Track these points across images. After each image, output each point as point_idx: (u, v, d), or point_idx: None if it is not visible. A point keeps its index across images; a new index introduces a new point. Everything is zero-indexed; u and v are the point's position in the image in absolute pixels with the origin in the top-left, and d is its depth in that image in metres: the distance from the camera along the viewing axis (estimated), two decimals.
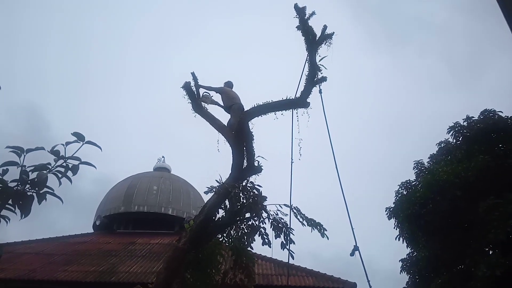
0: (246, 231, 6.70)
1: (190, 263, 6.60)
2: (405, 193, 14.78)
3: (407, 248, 15.14)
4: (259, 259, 13.61)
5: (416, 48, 61.03)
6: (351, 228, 6.12)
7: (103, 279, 13.75)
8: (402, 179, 15.41)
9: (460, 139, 14.62)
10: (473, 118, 14.39)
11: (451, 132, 14.78)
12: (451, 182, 12.58)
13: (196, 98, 8.03)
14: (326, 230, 6.29)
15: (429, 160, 15.74)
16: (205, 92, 8.29)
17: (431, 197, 12.91)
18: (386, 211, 14.98)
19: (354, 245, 5.89)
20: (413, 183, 14.94)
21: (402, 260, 15.13)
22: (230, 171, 7.11)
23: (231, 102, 8.10)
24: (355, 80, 59.09)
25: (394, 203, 14.80)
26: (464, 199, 12.40)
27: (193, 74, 8.21)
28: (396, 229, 14.77)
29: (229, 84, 8.59)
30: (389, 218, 14.84)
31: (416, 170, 15.52)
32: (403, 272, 14.92)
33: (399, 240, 14.82)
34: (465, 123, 14.55)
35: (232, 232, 6.90)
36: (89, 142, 2.57)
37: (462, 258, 12.50)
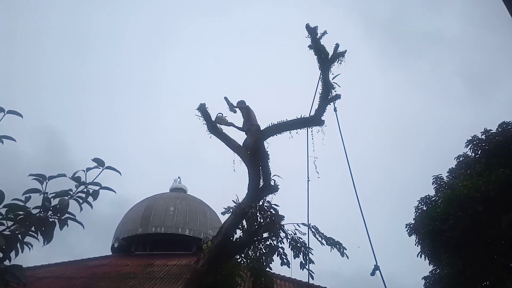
0: (264, 251, 6.67)
1: (209, 285, 6.57)
2: (425, 208, 14.53)
3: (429, 265, 14.80)
4: (278, 279, 13.43)
5: (429, 62, 60.79)
6: (371, 247, 6.04)
7: None
8: (420, 194, 15.19)
9: (479, 153, 14.39)
10: (491, 131, 14.18)
11: (469, 145, 14.57)
12: (472, 196, 12.34)
13: (211, 119, 8.10)
14: (345, 249, 6.21)
15: (448, 174, 15.50)
16: (219, 113, 8.36)
17: (452, 212, 12.66)
18: (406, 227, 14.73)
19: (374, 265, 5.80)
20: (433, 198, 14.70)
21: (425, 278, 14.76)
22: (247, 191, 7.11)
23: (250, 124, 8.15)
24: (369, 96, 59.00)
25: (414, 219, 14.55)
26: (485, 214, 12.13)
27: (226, 99, 8.40)
28: (418, 245, 14.48)
29: (242, 103, 8.65)
30: (410, 235, 14.58)
31: (435, 185, 15.27)
32: None
33: (421, 257, 14.51)
34: (483, 136, 14.34)
35: (250, 253, 6.87)
36: (109, 168, 2.61)
37: (487, 275, 12.14)
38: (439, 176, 15.51)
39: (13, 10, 53.12)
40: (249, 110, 8.41)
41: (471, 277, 12.64)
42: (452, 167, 15.58)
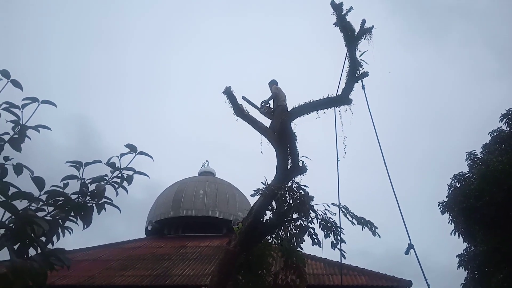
0: (294, 231, 6.69)
1: (242, 265, 6.68)
2: (458, 186, 14.22)
3: (463, 242, 14.58)
4: (309, 259, 13.51)
5: (459, 37, 58.55)
6: (404, 225, 5.96)
7: (158, 282, 14.17)
8: (453, 172, 14.85)
9: None
10: None
11: (504, 119, 14.08)
12: (507, 172, 11.99)
13: (237, 102, 8.08)
14: (377, 228, 6.16)
15: (482, 150, 15.05)
16: (262, 102, 8.23)
17: (486, 188, 12.35)
18: (439, 205, 14.49)
19: (408, 243, 5.72)
20: (467, 175, 14.35)
21: (459, 256, 14.54)
22: (275, 173, 7.11)
23: (277, 105, 8.04)
24: (398, 73, 57.45)
25: (447, 196, 14.28)
26: None
27: (245, 97, 8.26)
28: (451, 223, 14.25)
29: (274, 82, 8.49)
30: (443, 213, 14.34)
31: (469, 162, 14.88)
32: (461, 267, 14.35)
33: (454, 234, 14.30)
34: None
35: (280, 233, 6.91)
36: (141, 153, 2.66)
37: None
38: (473, 152, 15.08)
39: (58, 6, 54.26)
40: (278, 92, 8.21)
41: (507, 253, 12.37)
42: (486, 143, 15.11)
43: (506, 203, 11.97)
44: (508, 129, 14.22)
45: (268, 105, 8.16)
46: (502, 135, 14.52)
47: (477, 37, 58.20)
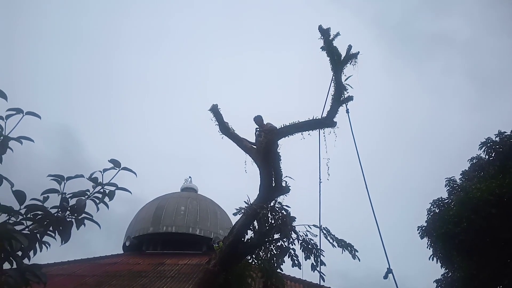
0: (275, 252, 6.67)
1: (221, 286, 6.59)
2: (437, 211, 14.39)
3: (441, 268, 14.67)
4: (288, 280, 13.41)
5: (441, 65, 60.13)
6: (383, 249, 6.00)
7: None
8: (433, 197, 15.05)
9: (492, 155, 14.22)
10: (505, 133, 14.00)
11: (483, 148, 14.40)
12: (485, 199, 12.18)
13: (223, 120, 8.11)
14: (357, 251, 6.19)
15: (461, 177, 15.34)
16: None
17: (465, 215, 12.50)
18: (418, 230, 14.60)
19: (387, 268, 5.76)
20: (446, 201, 14.55)
21: (436, 281, 14.63)
22: (258, 192, 7.11)
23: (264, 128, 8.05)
24: (380, 98, 58.54)
25: (426, 221, 14.42)
26: (499, 217, 11.96)
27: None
28: (430, 248, 14.36)
29: (260, 118, 8.57)
30: (422, 237, 14.45)
31: (448, 188, 15.12)
32: None
33: (432, 260, 14.39)
34: (497, 139, 14.17)
35: (261, 254, 6.87)
36: (124, 168, 2.64)
37: (500, 278, 11.99)
38: (452, 178, 15.36)
39: (34, 11, 53.92)
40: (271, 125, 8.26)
41: (484, 281, 12.49)
42: (465, 170, 15.42)
43: (484, 230, 12.13)
44: (487, 157, 14.55)
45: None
46: (481, 162, 14.84)
47: (459, 66, 59.93)
